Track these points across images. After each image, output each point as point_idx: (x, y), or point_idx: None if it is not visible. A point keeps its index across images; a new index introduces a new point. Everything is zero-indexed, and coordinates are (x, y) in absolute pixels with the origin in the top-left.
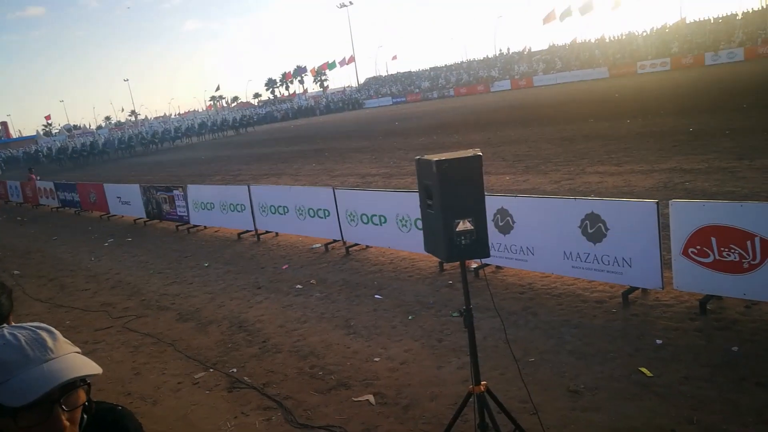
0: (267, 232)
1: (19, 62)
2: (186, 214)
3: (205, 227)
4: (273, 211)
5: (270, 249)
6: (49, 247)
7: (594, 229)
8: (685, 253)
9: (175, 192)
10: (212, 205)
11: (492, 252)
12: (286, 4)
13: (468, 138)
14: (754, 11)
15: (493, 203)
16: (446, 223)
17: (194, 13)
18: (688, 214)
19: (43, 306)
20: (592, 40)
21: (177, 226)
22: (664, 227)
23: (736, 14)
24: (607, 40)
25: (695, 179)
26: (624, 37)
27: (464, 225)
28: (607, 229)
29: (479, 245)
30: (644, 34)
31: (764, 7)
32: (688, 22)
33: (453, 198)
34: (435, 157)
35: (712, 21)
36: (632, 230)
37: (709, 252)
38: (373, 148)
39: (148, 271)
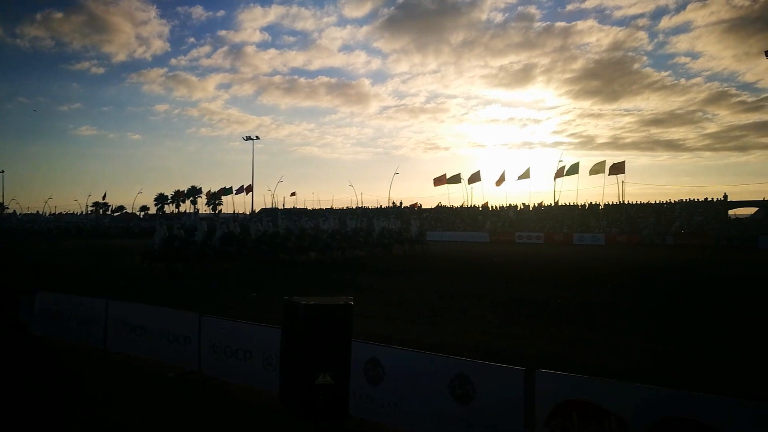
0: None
1: None
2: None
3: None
4: None
5: None
6: None
7: (462, 390)
8: (547, 424)
9: None
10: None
11: (360, 404)
12: (189, 129)
13: (358, 278)
14: (613, 204)
15: (364, 352)
16: (305, 375)
17: (93, 120)
18: (552, 385)
19: None
20: (478, 206)
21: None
22: (532, 395)
23: (599, 204)
24: (491, 209)
25: (566, 350)
26: (506, 207)
27: (325, 379)
28: (474, 392)
29: (338, 403)
30: (522, 208)
31: (620, 201)
32: (560, 204)
33: (317, 348)
34: (303, 300)
35: (579, 207)
36: (499, 395)
37: (570, 426)
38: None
39: None
